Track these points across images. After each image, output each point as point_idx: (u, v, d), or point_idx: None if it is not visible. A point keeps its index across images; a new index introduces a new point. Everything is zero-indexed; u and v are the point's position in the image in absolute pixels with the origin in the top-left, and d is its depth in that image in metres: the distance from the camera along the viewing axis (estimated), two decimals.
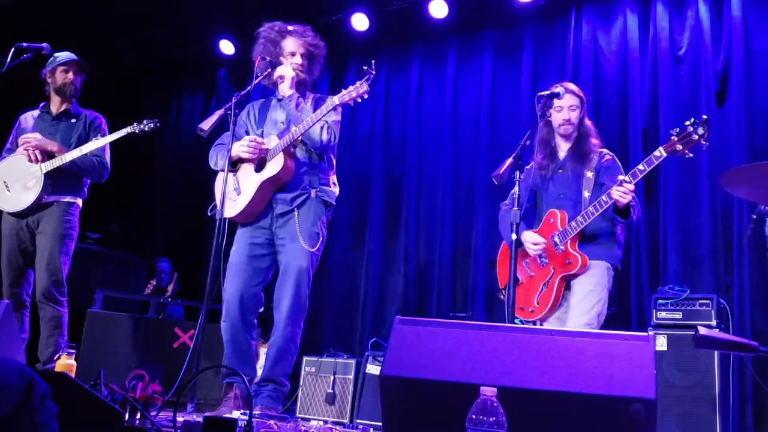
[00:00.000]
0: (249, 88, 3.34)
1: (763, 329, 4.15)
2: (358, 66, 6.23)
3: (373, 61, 3.23)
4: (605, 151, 3.55)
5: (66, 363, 2.74)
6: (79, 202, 4.05)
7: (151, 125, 3.93)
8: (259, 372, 3.55)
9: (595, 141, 3.52)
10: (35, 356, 3.83)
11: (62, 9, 5.97)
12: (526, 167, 3.58)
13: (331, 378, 4.56)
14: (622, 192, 3.07)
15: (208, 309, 3.07)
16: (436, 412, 1.98)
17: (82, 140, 4.04)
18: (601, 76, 5.15)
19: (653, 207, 4.70)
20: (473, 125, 5.68)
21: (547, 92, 3.22)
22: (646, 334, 1.97)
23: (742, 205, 4.29)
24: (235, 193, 3.45)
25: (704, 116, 2.99)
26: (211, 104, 7.22)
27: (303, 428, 2.68)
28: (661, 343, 3.66)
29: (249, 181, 3.42)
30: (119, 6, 6.11)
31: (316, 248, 3.41)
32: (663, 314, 3.81)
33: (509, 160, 3.05)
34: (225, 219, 3.13)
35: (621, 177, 3.13)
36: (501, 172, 3.03)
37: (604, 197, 3.19)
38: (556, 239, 3.34)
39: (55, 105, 4.15)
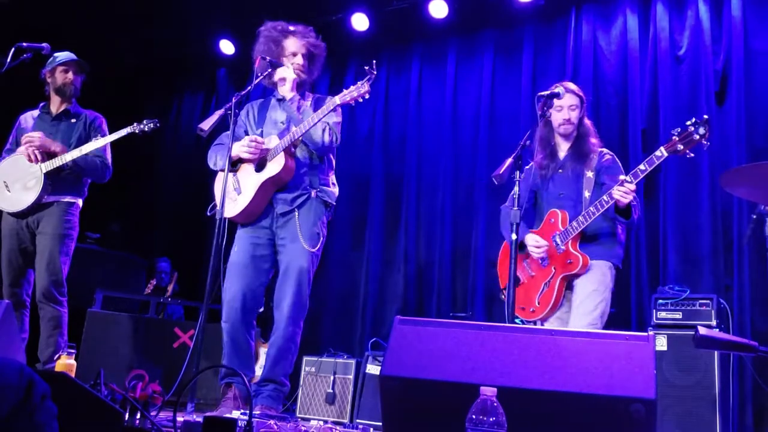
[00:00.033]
0: (249, 88, 3.33)
1: (763, 329, 4.15)
2: (358, 66, 6.28)
3: (374, 62, 3.23)
4: (605, 150, 3.55)
5: (66, 363, 2.74)
6: (79, 202, 4.05)
7: (151, 125, 3.93)
8: (259, 372, 3.55)
9: (594, 140, 3.52)
10: (35, 356, 3.83)
11: (62, 9, 5.97)
12: (526, 167, 3.58)
13: (331, 378, 4.56)
14: (624, 192, 3.07)
15: (208, 309, 3.07)
16: (436, 412, 1.98)
17: (83, 140, 4.04)
18: (601, 76, 5.15)
19: (653, 207, 4.70)
20: (473, 125, 5.68)
21: (547, 92, 3.22)
22: (646, 334, 1.97)
23: (742, 205, 4.29)
24: (235, 192, 3.44)
25: (705, 116, 2.99)
26: (211, 104, 7.23)
27: (303, 428, 2.68)
28: (661, 343, 3.66)
29: (249, 180, 3.42)
30: (119, 6, 6.11)
31: (316, 248, 3.42)
32: (663, 314, 3.81)
33: (509, 160, 3.05)
34: (225, 219, 3.13)
35: (622, 177, 3.13)
36: (501, 172, 3.03)
37: (605, 197, 3.19)
38: (558, 239, 3.34)
39: (55, 105, 4.15)
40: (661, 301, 3.85)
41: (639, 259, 4.67)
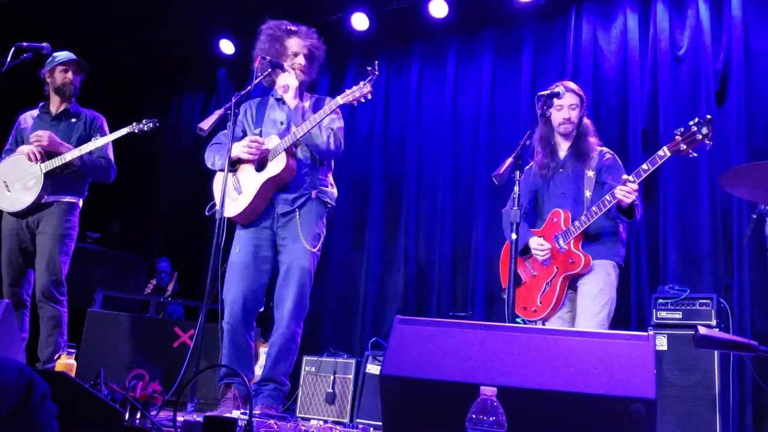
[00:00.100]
0: (249, 87, 3.32)
1: (763, 329, 4.15)
2: (358, 66, 6.28)
3: (376, 62, 3.22)
4: (605, 149, 3.55)
5: (66, 362, 2.74)
6: (80, 202, 4.05)
7: (151, 125, 3.93)
8: (259, 372, 3.55)
9: (593, 139, 3.52)
10: (35, 356, 3.83)
11: (62, 9, 5.97)
12: (526, 167, 3.58)
13: (331, 378, 4.56)
14: (626, 191, 3.07)
15: (208, 309, 3.07)
16: (436, 411, 1.98)
17: (83, 140, 4.04)
18: (601, 75, 5.15)
19: (653, 207, 4.69)
20: (473, 125, 5.68)
21: (548, 91, 3.21)
22: (646, 333, 1.97)
23: (742, 205, 4.29)
24: (235, 192, 3.44)
25: (708, 116, 2.99)
26: (211, 104, 7.22)
27: (303, 428, 2.68)
28: (661, 343, 3.66)
29: (250, 180, 3.42)
30: (119, 6, 6.11)
31: (317, 248, 3.42)
32: (663, 314, 3.81)
33: (509, 160, 3.05)
34: (225, 219, 3.12)
35: (625, 176, 3.13)
36: (501, 172, 3.03)
37: (607, 197, 3.19)
38: (560, 239, 3.34)
39: (55, 105, 4.15)
40: (661, 300, 3.85)
41: (639, 258, 4.67)
